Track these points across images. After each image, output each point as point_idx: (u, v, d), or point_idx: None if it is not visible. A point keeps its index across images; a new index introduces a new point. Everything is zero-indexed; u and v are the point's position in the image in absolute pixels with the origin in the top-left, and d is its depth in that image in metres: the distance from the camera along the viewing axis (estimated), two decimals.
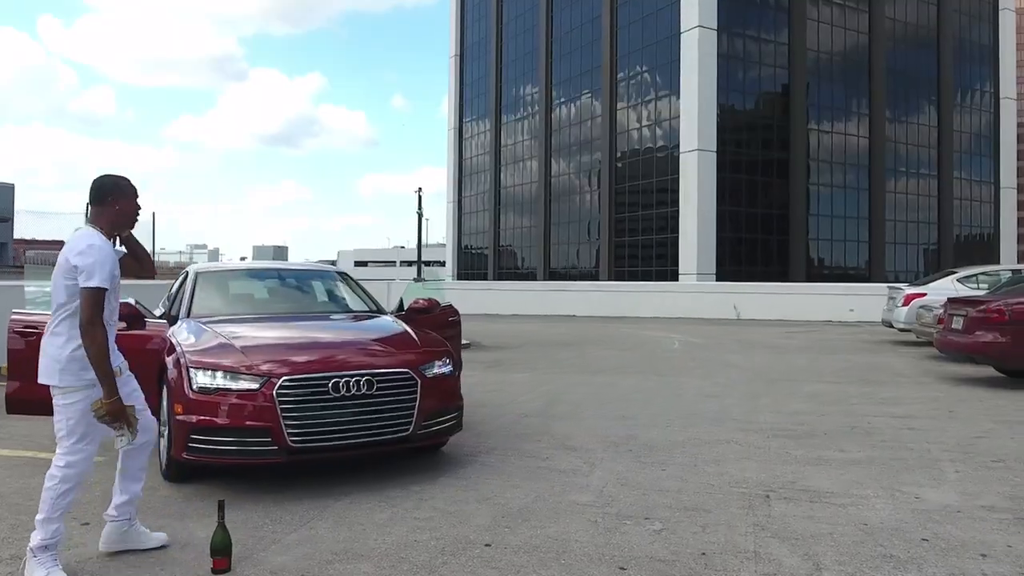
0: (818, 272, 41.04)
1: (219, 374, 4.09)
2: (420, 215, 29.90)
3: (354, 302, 5.95)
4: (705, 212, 37.63)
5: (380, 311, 5.83)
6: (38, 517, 3.03)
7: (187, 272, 5.85)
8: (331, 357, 4.35)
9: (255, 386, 4.07)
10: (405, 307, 5.95)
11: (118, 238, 3.33)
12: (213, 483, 4.34)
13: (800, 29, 41.26)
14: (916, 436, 5.76)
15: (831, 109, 42.89)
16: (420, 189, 29.76)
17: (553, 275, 47.94)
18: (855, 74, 43.62)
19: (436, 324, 5.99)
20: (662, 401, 7.49)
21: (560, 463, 4.95)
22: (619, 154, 43.66)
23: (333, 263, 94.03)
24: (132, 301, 4.93)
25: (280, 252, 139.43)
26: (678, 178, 38.66)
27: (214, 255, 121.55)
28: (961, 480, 4.53)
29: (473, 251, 57.66)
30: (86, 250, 3.02)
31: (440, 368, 4.69)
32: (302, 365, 4.21)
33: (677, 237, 38.68)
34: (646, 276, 40.38)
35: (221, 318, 4.98)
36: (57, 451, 3.11)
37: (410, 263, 32.17)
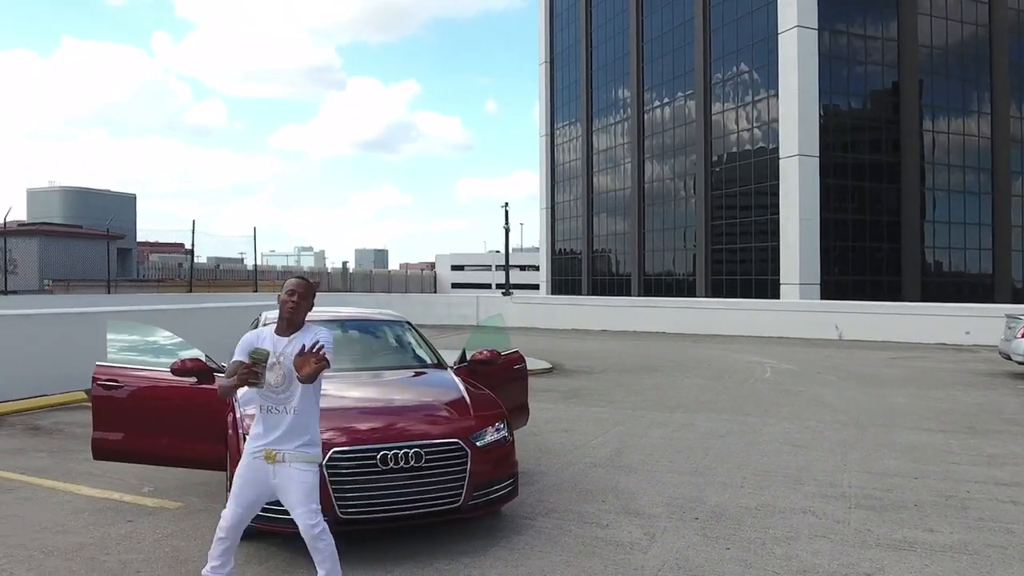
0: (935, 281, 38.29)
1: None
2: (507, 230, 29.96)
3: (417, 354, 5.97)
4: (808, 219, 35.87)
5: (440, 364, 5.83)
6: (208, 552, 3.60)
7: (259, 320, 6.04)
8: (381, 427, 4.37)
9: None
10: (468, 357, 5.92)
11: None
12: (272, 544, 4.45)
13: (910, 23, 38.62)
14: (1021, 514, 5.20)
15: (947, 108, 39.87)
16: (507, 204, 29.82)
17: (648, 282, 47.09)
18: (974, 69, 40.35)
19: (500, 375, 5.94)
20: (740, 451, 7.13)
21: (620, 533, 4.77)
22: (715, 158, 42.34)
23: (431, 266, 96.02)
24: (202, 356, 5.14)
25: (380, 256, 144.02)
26: (778, 183, 37.05)
27: (319, 257, 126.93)
28: None
29: (567, 256, 57.46)
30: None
31: (493, 435, 4.62)
32: (352, 437, 4.25)
33: (778, 245, 37.08)
34: (745, 285, 38.95)
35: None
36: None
37: (504, 267, 32.31)
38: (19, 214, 48.08)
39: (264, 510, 4.02)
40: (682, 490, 5.75)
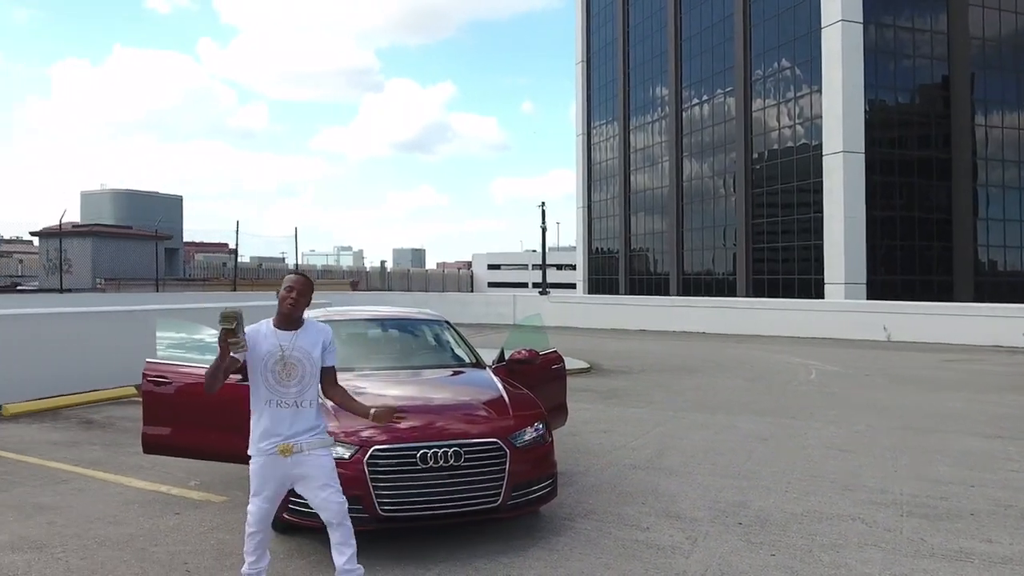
0: (989, 281, 37.05)
1: None
2: (544, 229, 29.89)
3: (455, 353, 5.97)
4: (853, 217, 35.01)
5: (479, 363, 5.80)
6: (244, 549, 3.64)
7: None
8: (421, 426, 4.36)
9: (347, 454, 4.17)
10: (506, 357, 5.88)
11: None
12: (314, 539, 4.46)
13: (960, 15, 37.40)
14: None
15: (1001, 102, 38.52)
16: (543, 204, 29.77)
17: (686, 281, 46.54)
18: None
19: (538, 375, 5.89)
20: (785, 454, 6.96)
21: (660, 536, 4.69)
22: (756, 156, 41.62)
23: (468, 265, 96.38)
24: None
25: (417, 255, 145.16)
26: (822, 180, 36.25)
27: (358, 257, 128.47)
28: None
29: (604, 255, 57.13)
30: None
31: (532, 435, 4.58)
32: (392, 435, 4.25)
33: (822, 244, 36.27)
34: (787, 284, 38.20)
35: None
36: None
37: (540, 266, 32.20)
38: (73, 216, 49.70)
39: (305, 505, 4.06)
40: (725, 494, 5.63)
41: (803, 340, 19.98)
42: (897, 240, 36.67)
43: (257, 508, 3.57)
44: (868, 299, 32.37)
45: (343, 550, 3.56)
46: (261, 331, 3.57)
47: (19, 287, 35.43)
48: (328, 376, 3.70)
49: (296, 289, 3.59)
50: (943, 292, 35.91)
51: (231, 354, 3.36)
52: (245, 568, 3.63)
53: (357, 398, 4.79)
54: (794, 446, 7.32)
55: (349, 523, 3.58)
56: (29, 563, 4.18)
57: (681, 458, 6.78)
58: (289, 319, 3.61)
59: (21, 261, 50.31)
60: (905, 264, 36.71)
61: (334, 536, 3.58)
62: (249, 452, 3.60)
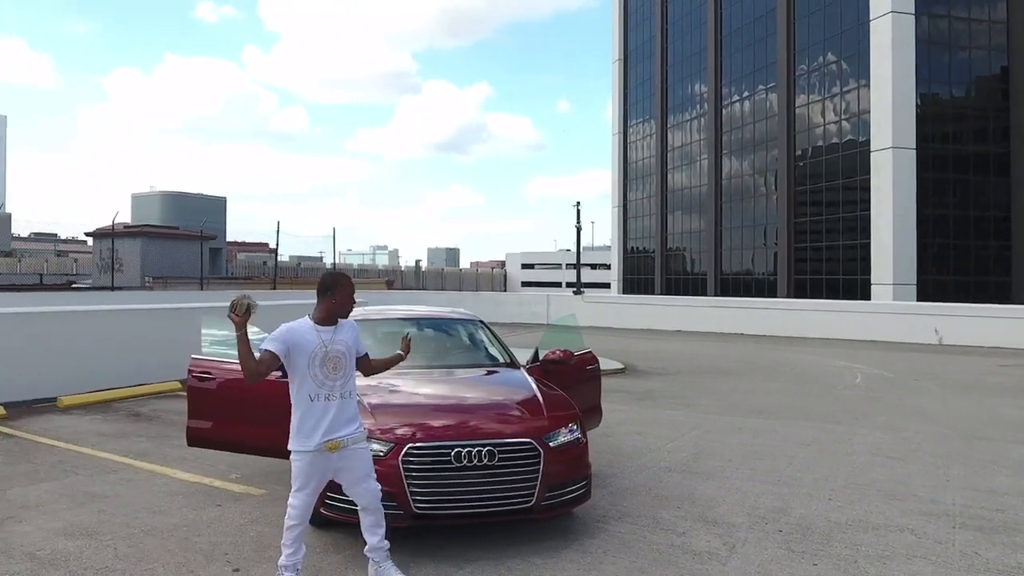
0: None
1: None
2: (578, 229, 29.63)
3: (489, 352, 5.93)
4: (903, 215, 33.97)
5: (513, 363, 5.76)
6: (281, 542, 3.73)
7: None
8: (456, 424, 4.36)
9: (382, 451, 4.17)
10: (540, 357, 5.83)
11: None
12: (349, 534, 4.46)
13: (1020, 3, 35.96)
14: None
15: None
16: (578, 203, 29.52)
17: (725, 282, 45.83)
18: None
19: (572, 375, 5.83)
20: (828, 461, 6.76)
21: (697, 542, 4.58)
22: (799, 153, 40.73)
23: (502, 265, 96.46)
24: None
25: (452, 255, 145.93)
26: (869, 178, 35.28)
27: (393, 256, 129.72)
28: None
29: (639, 255, 56.61)
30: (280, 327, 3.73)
31: (567, 436, 4.53)
32: (427, 433, 4.25)
33: (868, 243, 35.31)
34: (831, 285, 37.31)
35: None
36: (290, 493, 3.73)
37: (575, 266, 32.03)
38: (124, 217, 51.31)
39: (343, 501, 4.07)
40: (764, 500, 5.48)
41: (848, 343, 19.47)
42: (950, 239, 35.49)
43: (301, 502, 3.67)
44: (918, 300, 31.44)
45: (375, 531, 3.81)
46: (302, 328, 3.69)
47: (74, 285, 36.63)
48: (363, 360, 3.95)
49: (354, 289, 3.87)
50: (1000, 294, 34.58)
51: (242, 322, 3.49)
52: (282, 559, 3.70)
53: (392, 396, 4.82)
54: (838, 452, 7.11)
55: (382, 507, 3.82)
56: (80, 549, 4.34)
57: (718, 462, 6.63)
58: (335, 317, 3.79)
59: (76, 260, 52.09)
60: (959, 264, 35.51)
61: (368, 520, 3.80)
62: (291, 448, 3.68)
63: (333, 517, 4.29)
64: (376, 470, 4.15)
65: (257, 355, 3.61)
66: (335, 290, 3.76)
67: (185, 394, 5.53)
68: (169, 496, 5.36)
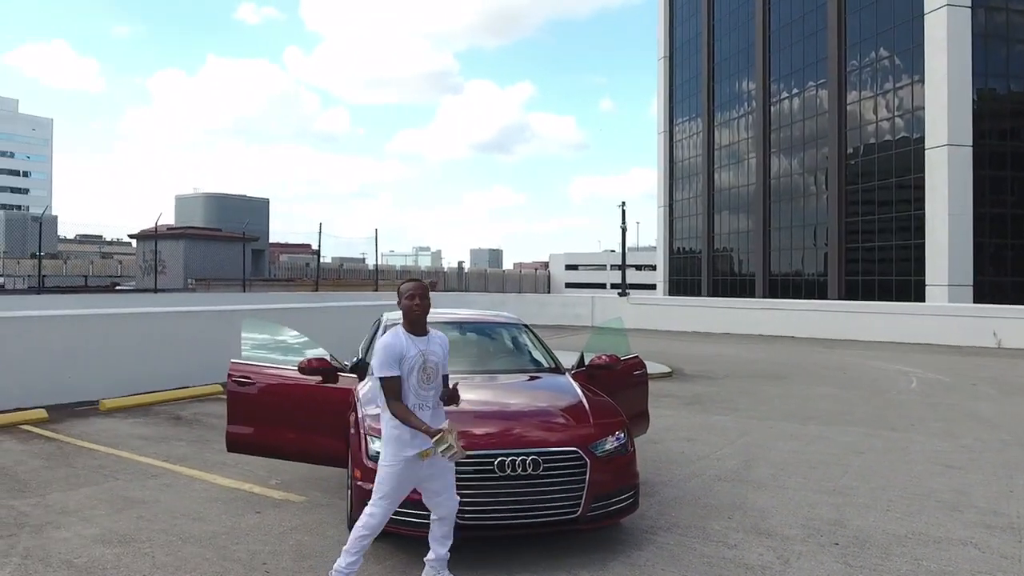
0: None
1: None
2: (624, 229, 29.29)
3: (533, 356, 5.85)
4: (958, 215, 32.79)
5: (558, 368, 5.66)
6: (344, 548, 3.71)
7: (380, 321, 6.12)
8: (498, 433, 4.27)
9: None
10: (586, 362, 5.72)
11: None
12: (391, 544, 4.44)
13: None
14: None
15: None
16: (624, 204, 29.17)
17: (773, 283, 44.87)
18: None
19: (619, 381, 5.71)
20: (885, 470, 6.50)
21: (749, 555, 4.42)
22: (850, 151, 39.63)
23: (545, 265, 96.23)
24: (327, 355, 5.25)
25: (495, 256, 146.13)
26: (923, 176, 34.15)
27: (436, 257, 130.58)
28: None
29: (685, 255, 55.83)
30: (376, 350, 3.75)
31: (614, 444, 4.42)
32: (469, 442, 4.14)
33: (922, 243, 34.17)
34: (884, 286, 36.22)
35: None
36: (370, 502, 3.72)
37: (619, 267, 31.65)
38: (168, 218, 52.53)
39: (396, 513, 4.04)
40: (819, 511, 5.28)
41: (902, 346, 18.83)
42: (1008, 239, 34.10)
43: (382, 511, 3.66)
44: (975, 302, 30.27)
45: (444, 542, 3.82)
46: (399, 343, 3.69)
47: (117, 287, 37.41)
48: (445, 381, 3.87)
49: (417, 295, 3.76)
50: None
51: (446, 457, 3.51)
52: (341, 564, 3.70)
53: None
54: (894, 460, 6.83)
55: (455, 519, 3.83)
56: (118, 556, 4.32)
57: (770, 470, 6.43)
58: (418, 325, 3.77)
59: (121, 262, 53.28)
60: (1016, 265, 34.09)
61: (440, 530, 3.81)
62: (384, 457, 3.67)
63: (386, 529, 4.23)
64: None
65: (368, 383, 3.81)
66: (401, 296, 3.79)
67: (225, 398, 5.51)
68: (208, 502, 5.32)
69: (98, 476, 6.02)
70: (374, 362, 3.71)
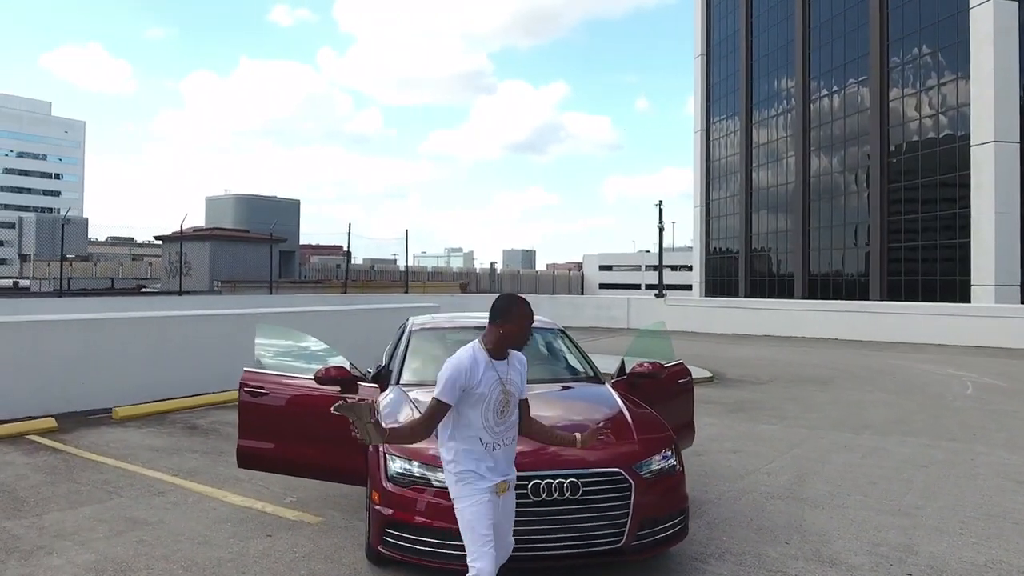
0: None
1: (416, 464, 3.80)
2: (661, 229, 28.65)
3: (570, 364, 5.44)
4: (1006, 213, 31.60)
5: (596, 376, 5.25)
6: None
7: (405, 326, 5.78)
8: (531, 452, 3.79)
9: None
10: (627, 369, 5.29)
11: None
12: (410, 571, 4.07)
13: None
14: None
15: None
16: (661, 202, 28.55)
17: (813, 283, 43.75)
18: None
19: (662, 390, 5.28)
20: (951, 486, 5.97)
21: None
22: (892, 148, 38.42)
23: (578, 266, 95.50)
24: (346, 364, 4.91)
25: (527, 256, 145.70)
26: (969, 174, 32.96)
27: (468, 258, 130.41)
28: None
29: (722, 255, 54.78)
30: (447, 363, 3.08)
31: (660, 463, 4.00)
32: None
33: (968, 242, 32.97)
34: (927, 286, 35.03)
35: (431, 388, 4.76)
36: (468, 559, 3.05)
37: (654, 267, 31.05)
38: (199, 220, 52.94)
39: (402, 539, 3.67)
40: (885, 534, 4.80)
41: (950, 348, 17.99)
42: None
43: (493, 558, 2.96)
44: (1023, 303, 29.07)
45: None
46: (473, 366, 3.06)
47: (143, 289, 37.38)
48: (524, 408, 3.28)
49: (530, 318, 3.16)
50: None
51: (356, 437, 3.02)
52: None
53: None
54: (961, 476, 6.29)
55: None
56: None
57: (826, 486, 5.94)
58: (511, 350, 3.17)
59: (151, 264, 53.69)
60: None
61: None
62: (458, 501, 3.06)
63: (390, 555, 3.85)
64: (446, 504, 3.71)
65: (409, 411, 3.27)
66: (506, 317, 3.09)
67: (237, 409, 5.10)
68: (216, 523, 4.93)
69: (101, 493, 5.66)
70: (439, 376, 3.08)
